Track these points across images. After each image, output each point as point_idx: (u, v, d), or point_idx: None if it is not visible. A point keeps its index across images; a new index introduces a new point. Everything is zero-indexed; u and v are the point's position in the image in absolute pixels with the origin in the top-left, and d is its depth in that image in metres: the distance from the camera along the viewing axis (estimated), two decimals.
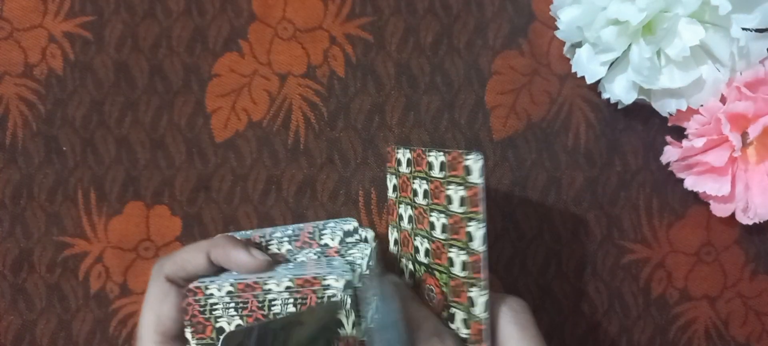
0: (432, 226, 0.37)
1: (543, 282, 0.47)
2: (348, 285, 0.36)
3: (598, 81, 0.44)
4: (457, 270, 0.36)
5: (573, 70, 0.44)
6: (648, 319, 0.47)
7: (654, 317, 0.47)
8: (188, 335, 0.37)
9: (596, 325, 0.47)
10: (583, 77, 0.43)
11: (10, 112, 0.47)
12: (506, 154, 0.47)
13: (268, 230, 0.41)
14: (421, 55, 0.47)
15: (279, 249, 0.40)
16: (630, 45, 0.42)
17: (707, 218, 0.46)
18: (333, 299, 0.36)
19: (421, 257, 0.39)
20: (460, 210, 0.35)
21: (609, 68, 0.43)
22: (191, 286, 0.37)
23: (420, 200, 0.38)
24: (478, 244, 0.35)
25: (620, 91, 0.43)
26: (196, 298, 0.37)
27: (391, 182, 0.42)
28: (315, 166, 0.47)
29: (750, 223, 0.44)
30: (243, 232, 0.41)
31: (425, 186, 0.38)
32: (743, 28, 0.41)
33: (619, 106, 0.45)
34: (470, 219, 0.35)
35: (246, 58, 0.47)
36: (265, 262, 0.37)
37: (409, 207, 0.40)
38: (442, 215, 0.37)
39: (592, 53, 0.43)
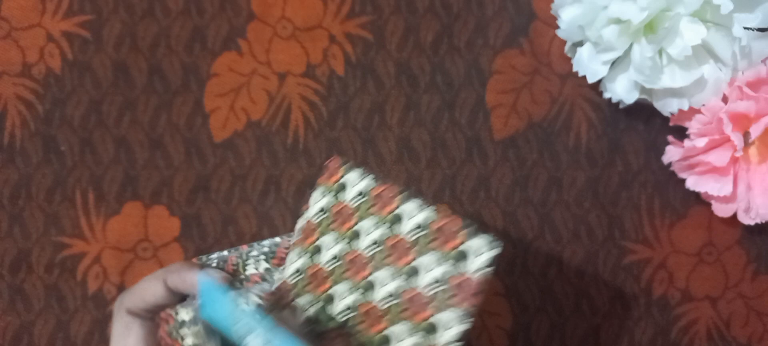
0: (370, 286, 0.30)
1: (544, 283, 0.47)
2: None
3: (600, 80, 0.44)
4: None
5: (574, 70, 0.44)
6: (649, 320, 0.46)
7: (655, 317, 0.46)
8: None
9: (597, 326, 0.46)
10: (584, 76, 0.43)
11: (8, 111, 0.47)
12: (507, 154, 0.47)
13: (245, 249, 0.37)
14: (421, 54, 0.47)
15: (257, 269, 0.36)
16: (631, 44, 0.42)
17: (709, 218, 0.46)
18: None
19: (336, 310, 0.31)
20: (431, 289, 0.28)
21: (610, 67, 0.43)
22: (162, 314, 0.36)
23: (362, 244, 0.31)
24: (445, 339, 0.28)
25: (622, 90, 0.43)
26: (168, 326, 0.35)
27: (321, 200, 0.33)
28: (314, 166, 0.47)
29: (752, 223, 0.44)
30: (220, 253, 0.38)
31: (378, 234, 0.31)
32: (745, 28, 0.41)
33: (621, 106, 0.45)
34: (446, 307, 0.28)
35: (245, 57, 0.47)
36: (224, 280, 0.36)
37: (338, 243, 0.32)
38: (397, 280, 0.30)
39: (593, 52, 0.43)
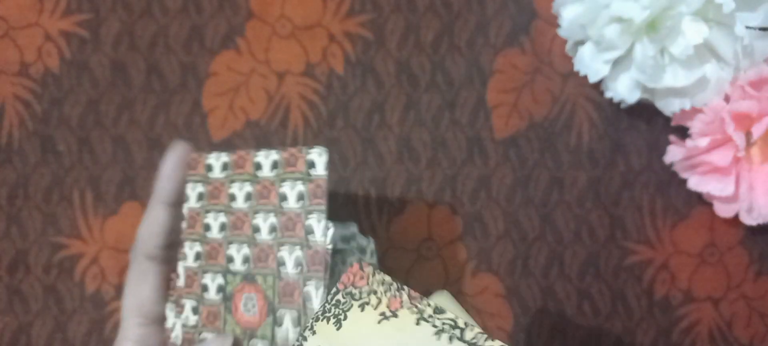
0: (256, 229, 0.36)
1: (545, 283, 0.46)
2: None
3: (601, 80, 0.44)
4: (289, 268, 0.35)
5: (575, 69, 0.44)
6: (651, 321, 0.46)
7: (657, 319, 0.46)
8: (168, 310, 0.38)
9: (599, 327, 0.46)
10: (585, 76, 0.43)
11: (6, 111, 0.47)
12: (508, 154, 0.46)
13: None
14: (421, 53, 0.47)
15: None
16: (633, 43, 0.42)
17: (711, 218, 0.46)
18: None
19: (238, 266, 0.37)
20: (297, 206, 0.35)
21: (612, 67, 0.43)
22: (192, 156, 0.38)
23: (239, 204, 0.37)
24: (319, 235, 0.34)
25: (623, 89, 0.43)
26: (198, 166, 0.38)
27: (195, 190, 0.38)
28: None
29: (754, 223, 0.44)
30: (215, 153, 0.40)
31: (248, 189, 0.37)
32: (747, 27, 0.41)
33: (623, 106, 0.45)
34: (310, 212, 0.35)
35: (243, 56, 0.47)
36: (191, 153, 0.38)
37: (221, 215, 0.37)
38: (271, 215, 0.36)
39: (595, 51, 0.43)
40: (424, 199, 0.47)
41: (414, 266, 0.47)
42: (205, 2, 0.47)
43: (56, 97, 0.47)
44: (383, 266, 0.46)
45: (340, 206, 0.47)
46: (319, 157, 0.35)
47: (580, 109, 0.47)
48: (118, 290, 0.46)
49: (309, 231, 0.35)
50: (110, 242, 0.47)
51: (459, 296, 0.46)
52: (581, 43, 0.44)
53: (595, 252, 0.46)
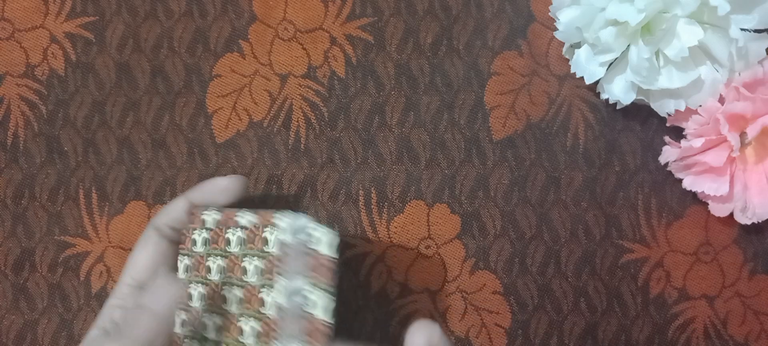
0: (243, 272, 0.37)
1: (542, 281, 0.47)
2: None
3: (597, 81, 0.44)
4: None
5: (572, 71, 0.44)
6: (646, 318, 0.47)
7: (653, 316, 0.47)
8: (180, 265, 0.39)
9: (595, 324, 0.47)
10: (581, 78, 0.43)
11: (11, 112, 0.47)
12: (505, 154, 0.47)
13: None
14: (420, 55, 0.47)
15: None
16: (629, 46, 0.42)
17: (706, 217, 0.46)
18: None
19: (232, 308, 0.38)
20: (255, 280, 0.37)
21: (608, 69, 0.44)
22: (183, 230, 0.40)
23: (232, 249, 0.38)
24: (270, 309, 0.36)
25: (619, 91, 0.44)
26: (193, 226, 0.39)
27: (200, 235, 0.40)
28: (315, 166, 0.47)
29: (748, 223, 0.44)
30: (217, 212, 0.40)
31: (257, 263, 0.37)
32: (742, 29, 0.41)
33: (618, 107, 0.45)
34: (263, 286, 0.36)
35: (247, 58, 0.47)
36: (242, 180, 0.41)
37: (236, 288, 0.38)
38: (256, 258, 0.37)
39: (591, 54, 0.43)
40: (423, 198, 0.47)
41: (414, 263, 0.47)
42: (209, 6, 0.47)
43: (62, 99, 0.47)
44: (383, 264, 0.47)
45: (342, 205, 0.47)
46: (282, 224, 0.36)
47: (576, 110, 0.47)
48: None
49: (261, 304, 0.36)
50: (115, 240, 0.47)
51: (457, 293, 0.47)
52: (577, 45, 0.44)
53: (591, 251, 0.47)
